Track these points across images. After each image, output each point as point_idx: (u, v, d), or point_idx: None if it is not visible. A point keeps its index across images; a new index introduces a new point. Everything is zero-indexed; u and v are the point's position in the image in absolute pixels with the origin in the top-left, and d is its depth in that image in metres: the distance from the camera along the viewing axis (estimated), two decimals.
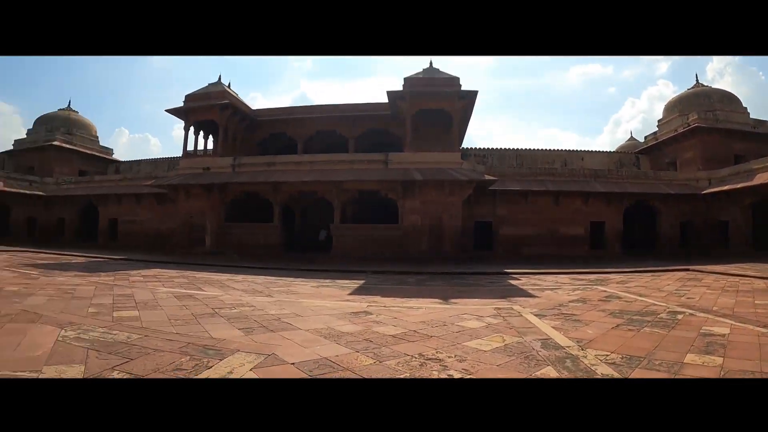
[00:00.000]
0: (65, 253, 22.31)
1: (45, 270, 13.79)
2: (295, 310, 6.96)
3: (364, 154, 22.22)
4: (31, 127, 37.64)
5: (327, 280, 12.21)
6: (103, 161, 36.53)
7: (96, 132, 37.78)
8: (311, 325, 5.77)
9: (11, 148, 37.77)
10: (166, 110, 25.31)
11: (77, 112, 37.87)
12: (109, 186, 29.69)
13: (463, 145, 25.25)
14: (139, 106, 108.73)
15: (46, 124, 36.45)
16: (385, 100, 22.33)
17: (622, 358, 4.15)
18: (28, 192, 30.74)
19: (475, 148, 25.88)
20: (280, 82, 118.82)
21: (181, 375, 3.56)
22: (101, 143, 37.96)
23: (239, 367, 3.85)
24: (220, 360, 4.04)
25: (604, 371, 3.69)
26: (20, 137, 37.43)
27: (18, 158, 36.20)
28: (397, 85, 24.55)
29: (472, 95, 20.94)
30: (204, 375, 3.54)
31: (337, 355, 4.24)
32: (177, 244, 23.51)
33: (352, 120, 24.51)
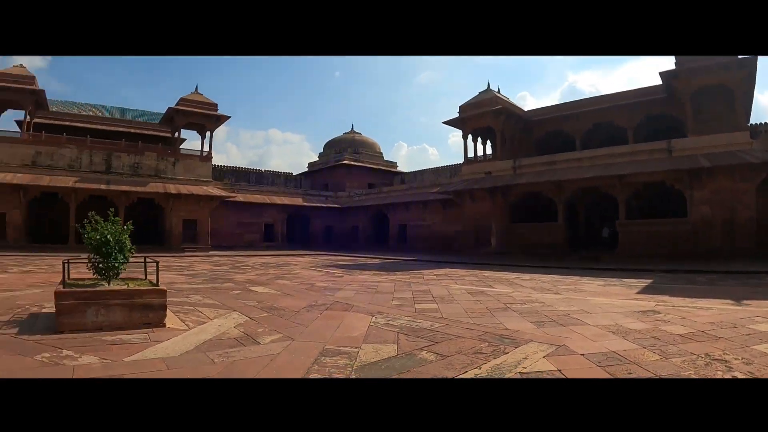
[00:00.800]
0: (360, 255, 29.60)
1: (346, 269, 18.17)
2: (583, 307, 8.10)
3: (644, 143, 24.27)
4: (321, 150, 47.37)
5: (614, 279, 13.81)
6: (389, 173, 45.96)
7: (380, 149, 47.32)
8: (599, 321, 6.70)
9: (306, 169, 50.63)
10: (444, 122, 31.68)
11: (360, 134, 49.77)
12: (397, 195, 38.13)
13: (750, 122, 24.30)
14: (413, 120, 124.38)
15: (334, 146, 48.33)
16: (658, 82, 23.84)
17: None
18: (324, 205, 41.66)
19: (766, 123, 24.28)
20: (545, 78, 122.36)
21: (480, 358, 4.60)
22: (385, 158, 45.55)
23: (533, 354, 4.75)
24: (516, 347, 5.04)
25: None
26: (311, 160, 48.27)
27: (313, 177, 48.57)
28: (668, 65, 24.38)
29: (750, 62, 20.95)
30: (501, 360, 4.53)
31: (624, 350, 4.89)
32: (463, 245, 29.78)
33: (627, 108, 26.13)
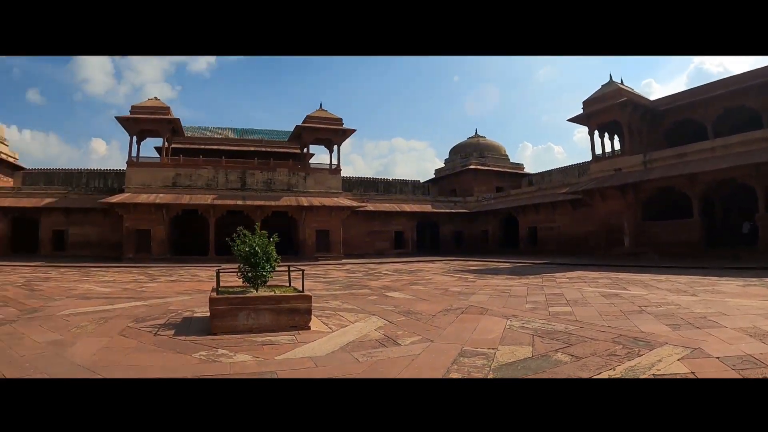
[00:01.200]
0: (490, 259, 29.96)
1: (478, 274, 18.48)
2: (720, 309, 8.00)
3: None
4: (446, 156, 48.35)
5: (754, 279, 13.48)
6: (516, 176, 47.06)
7: (505, 151, 48.03)
8: (736, 323, 6.58)
9: (433, 176, 51.96)
10: (568, 120, 32.06)
11: (485, 137, 50.43)
12: (526, 197, 38.62)
13: None
14: (536, 119, 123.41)
15: (460, 152, 49.62)
16: None
17: None
18: (453, 211, 42.48)
19: None
20: (669, 61, 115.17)
21: (614, 360, 4.69)
22: (511, 160, 45.72)
23: (667, 357, 4.78)
24: (650, 350, 5.08)
25: None
26: (436, 166, 49.41)
27: (440, 184, 50.16)
28: None
29: None
30: (635, 362, 4.61)
31: (761, 353, 4.81)
32: (594, 246, 29.49)
33: (759, 89, 23.88)
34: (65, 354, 5.14)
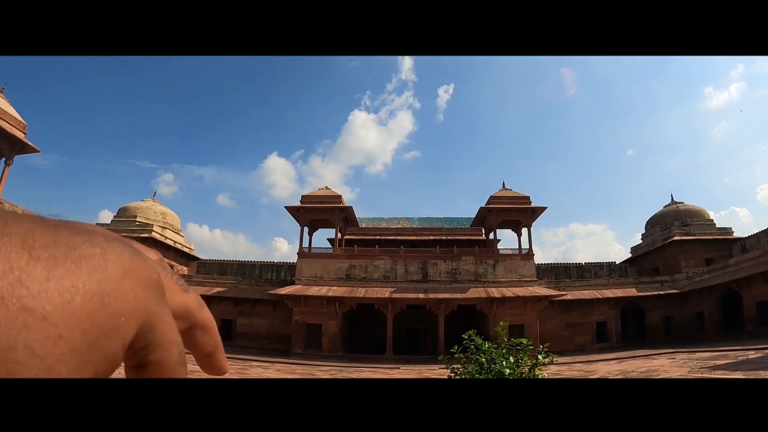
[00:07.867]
0: (721, 348, 23.76)
1: (741, 371, 14.88)
2: None
3: None
4: (631, 234, 44.49)
5: None
6: (725, 243, 39.43)
7: (709, 216, 43.08)
8: None
9: (629, 255, 46.40)
10: None
11: (683, 203, 43.92)
12: (748, 266, 31.50)
13: None
14: (716, 183, 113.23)
15: (658, 223, 43.85)
16: None
17: None
18: (661, 292, 36.09)
19: None
20: None
21: None
22: (718, 224, 40.76)
23: None
24: None
25: None
26: (616, 250, 44.21)
27: (638, 263, 44.32)
28: None
29: None
30: None
31: None
32: None
33: None
34: None
